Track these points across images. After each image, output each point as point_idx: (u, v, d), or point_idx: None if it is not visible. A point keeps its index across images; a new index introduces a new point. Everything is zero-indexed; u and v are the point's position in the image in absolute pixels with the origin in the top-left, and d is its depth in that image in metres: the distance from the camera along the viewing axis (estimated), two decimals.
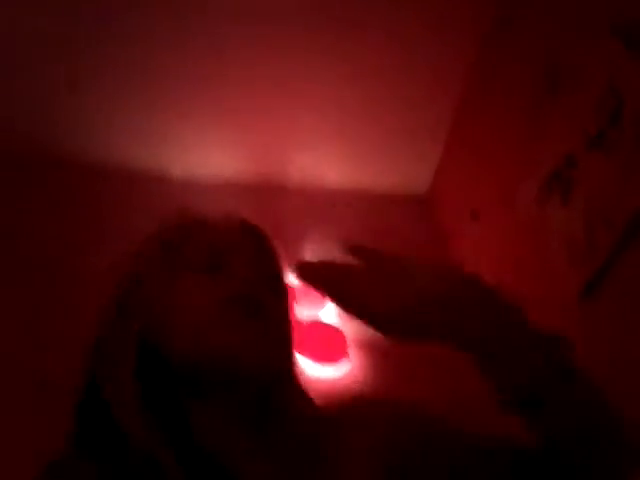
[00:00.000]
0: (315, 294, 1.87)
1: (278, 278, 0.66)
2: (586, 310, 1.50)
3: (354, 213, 2.36)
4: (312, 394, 0.66)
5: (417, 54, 2.11)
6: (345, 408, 0.66)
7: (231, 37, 2.06)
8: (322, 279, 0.53)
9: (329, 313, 2.06)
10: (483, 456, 0.58)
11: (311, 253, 2.08)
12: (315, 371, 1.91)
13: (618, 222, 1.31)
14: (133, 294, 0.62)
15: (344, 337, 1.99)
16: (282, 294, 0.65)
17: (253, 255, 0.64)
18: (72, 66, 2.09)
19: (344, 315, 0.53)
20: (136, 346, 0.58)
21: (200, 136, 2.33)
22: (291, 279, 0.62)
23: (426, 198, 2.54)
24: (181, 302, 0.59)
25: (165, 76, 2.14)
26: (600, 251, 1.39)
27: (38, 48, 2.02)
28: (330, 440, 0.60)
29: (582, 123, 1.49)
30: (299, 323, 2.00)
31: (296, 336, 0.65)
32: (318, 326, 2.03)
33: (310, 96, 2.23)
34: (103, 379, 0.58)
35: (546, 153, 1.65)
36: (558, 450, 0.52)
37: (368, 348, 1.97)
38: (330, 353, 1.95)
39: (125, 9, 1.96)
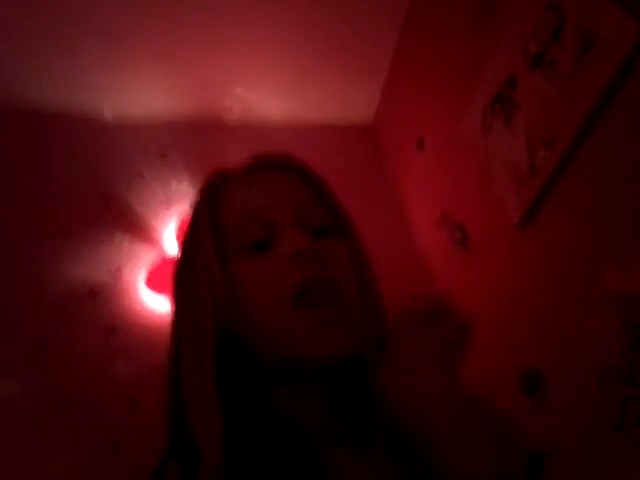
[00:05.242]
0: None
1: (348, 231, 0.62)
2: (524, 236, 1.52)
3: (300, 146, 2.30)
4: None
5: None
6: None
7: None
8: None
9: None
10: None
11: None
12: None
13: (559, 143, 1.29)
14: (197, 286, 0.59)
15: None
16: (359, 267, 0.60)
17: (306, 215, 0.59)
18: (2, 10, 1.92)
19: None
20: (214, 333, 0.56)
21: (132, 77, 2.21)
22: None
23: (371, 128, 2.49)
24: (245, 294, 0.56)
25: (94, 19, 1.98)
26: (540, 176, 1.39)
27: None
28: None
29: (523, 41, 1.45)
30: None
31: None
32: None
33: (248, 31, 2.10)
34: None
35: (489, 75, 1.61)
36: None
37: None
38: None
39: None
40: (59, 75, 2.16)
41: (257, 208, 0.59)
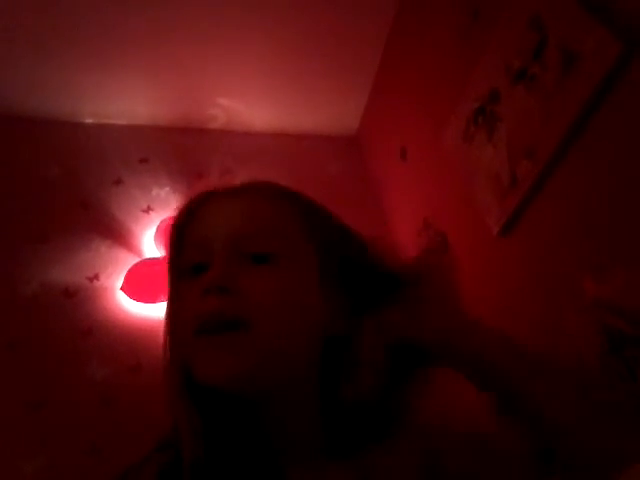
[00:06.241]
0: None
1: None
2: (505, 245, 1.55)
3: (283, 155, 2.31)
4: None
5: None
6: None
7: None
8: None
9: None
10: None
11: None
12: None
13: (541, 155, 1.34)
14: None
15: None
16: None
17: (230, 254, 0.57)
18: None
19: None
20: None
21: (114, 82, 2.20)
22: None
23: (355, 138, 2.52)
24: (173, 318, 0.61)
25: (78, 25, 1.98)
26: (521, 187, 1.43)
27: None
28: None
29: (506, 58, 1.49)
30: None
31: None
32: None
33: (235, 40, 2.11)
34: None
35: (472, 89, 1.65)
36: None
37: None
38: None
39: None
40: (40, 79, 2.14)
41: (200, 233, 0.60)
